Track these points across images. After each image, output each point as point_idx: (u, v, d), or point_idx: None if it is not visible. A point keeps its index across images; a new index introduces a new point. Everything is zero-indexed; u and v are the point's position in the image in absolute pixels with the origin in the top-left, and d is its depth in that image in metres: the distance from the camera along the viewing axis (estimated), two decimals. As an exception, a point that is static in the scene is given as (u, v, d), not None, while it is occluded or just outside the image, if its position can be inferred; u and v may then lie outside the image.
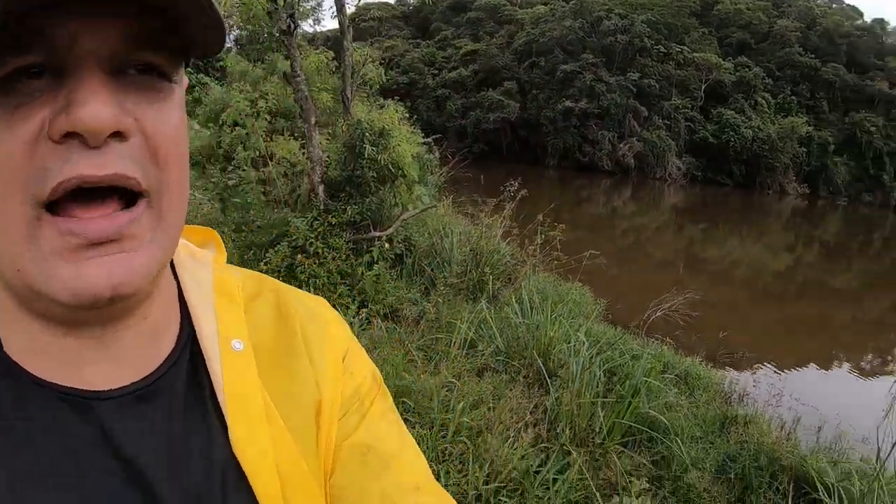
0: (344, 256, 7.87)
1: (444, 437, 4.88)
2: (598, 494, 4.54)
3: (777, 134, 63.32)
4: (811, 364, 14.92)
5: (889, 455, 5.18)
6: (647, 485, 4.52)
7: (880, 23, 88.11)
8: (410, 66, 61.85)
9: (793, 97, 71.84)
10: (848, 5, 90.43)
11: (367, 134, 8.14)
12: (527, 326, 6.95)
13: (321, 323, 0.83)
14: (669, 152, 59.20)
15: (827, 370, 15.14)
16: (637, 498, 4.19)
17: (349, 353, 0.84)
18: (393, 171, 8.41)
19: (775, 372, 12.90)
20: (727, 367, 11.84)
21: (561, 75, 58.31)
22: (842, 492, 5.10)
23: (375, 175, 8.28)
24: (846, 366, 15.99)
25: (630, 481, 4.45)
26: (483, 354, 6.44)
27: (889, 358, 17.47)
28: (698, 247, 29.53)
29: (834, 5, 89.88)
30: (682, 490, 5.12)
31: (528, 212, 9.72)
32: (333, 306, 0.90)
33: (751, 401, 8.84)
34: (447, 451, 4.71)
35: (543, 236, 9.20)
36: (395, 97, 15.77)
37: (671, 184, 57.32)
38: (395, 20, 76.14)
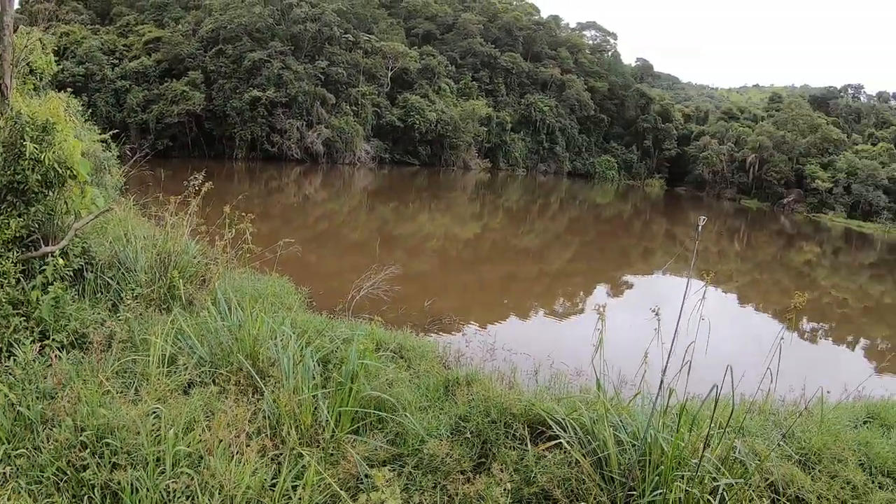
0: (13, 282, 6.50)
1: (162, 474, 4.16)
2: (342, 493, 4.23)
3: (460, 116, 68.98)
4: (512, 316, 16.24)
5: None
6: (390, 473, 4.32)
7: (555, 19, 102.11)
8: (88, 55, 54.78)
9: (474, 82, 79.38)
10: (527, 2, 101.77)
11: (28, 129, 6.80)
12: (228, 329, 6.36)
13: None
14: (358, 137, 60.79)
15: (527, 319, 16.60)
16: (386, 488, 3.94)
17: None
18: (61, 171, 7.14)
19: (482, 328, 13.69)
20: (439, 333, 12.32)
21: (249, 64, 56.35)
22: (574, 423, 5.32)
23: (41, 178, 6.95)
24: (541, 312, 17.72)
25: (372, 474, 4.20)
26: (186, 369, 5.73)
27: (577, 300, 19.78)
28: (392, 225, 30.62)
29: (514, 2, 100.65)
30: (425, 461, 5.03)
31: (217, 207, 9.02)
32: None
33: (467, 360, 9.09)
34: (170, 490, 4.03)
35: (234, 230, 8.60)
36: (70, 90, 13.83)
37: (361, 167, 58.90)
38: (74, 2, 66.80)
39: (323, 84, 59.16)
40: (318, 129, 58.17)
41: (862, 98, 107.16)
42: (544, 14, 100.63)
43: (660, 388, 4.85)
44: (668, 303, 5.30)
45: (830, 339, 20.97)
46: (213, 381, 5.70)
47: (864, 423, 7.89)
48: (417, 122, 64.86)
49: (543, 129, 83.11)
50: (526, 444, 5.36)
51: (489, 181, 65.06)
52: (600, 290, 21.63)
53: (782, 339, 4.85)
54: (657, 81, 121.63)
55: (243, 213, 8.54)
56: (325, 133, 58.27)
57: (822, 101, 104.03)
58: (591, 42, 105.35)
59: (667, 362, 4.81)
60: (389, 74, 67.18)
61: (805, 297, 5.00)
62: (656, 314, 5.05)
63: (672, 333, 4.83)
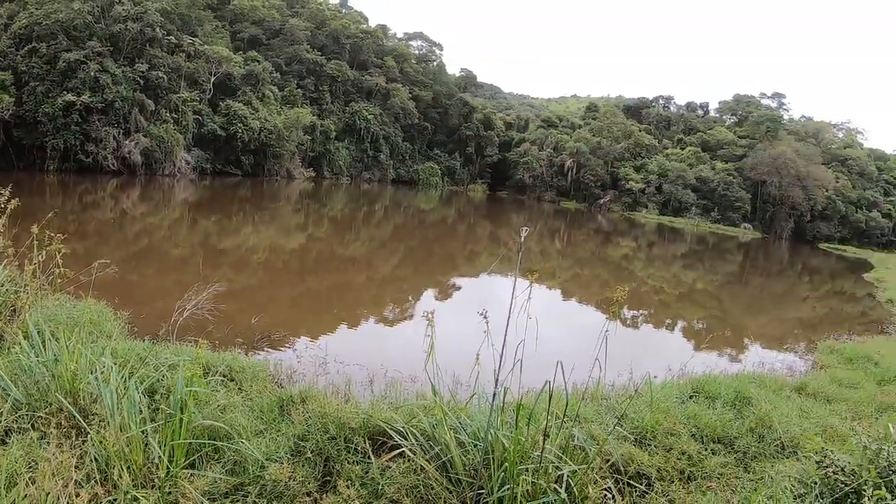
0: None
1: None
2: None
3: (284, 124, 67.11)
4: (343, 326, 16.01)
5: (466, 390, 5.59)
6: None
7: (383, 28, 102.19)
8: None
9: (299, 90, 77.53)
10: (355, 11, 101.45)
11: None
12: (44, 365, 5.68)
13: None
14: (178, 147, 57.34)
15: (358, 328, 16.42)
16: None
17: None
18: None
19: (314, 341, 13.36)
20: (269, 350, 11.90)
21: (63, 65, 50.76)
22: (415, 431, 5.28)
23: None
24: (372, 320, 17.63)
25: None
26: (1, 415, 5.05)
27: (407, 306, 19.88)
28: (215, 239, 29.33)
29: (343, 10, 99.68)
30: (269, 487, 4.79)
31: (26, 226, 8.14)
32: None
33: (300, 377, 8.84)
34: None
35: (44, 252, 7.78)
36: None
37: (181, 179, 55.79)
38: None
39: (142, 89, 55.09)
40: (135, 137, 54.10)
41: (672, 108, 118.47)
42: (372, 23, 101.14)
43: (495, 386, 4.94)
44: (497, 303, 5.42)
45: (651, 324, 22.66)
46: (33, 427, 5.03)
47: (690, 397, 8.60)
48: (240, 130, 62.43)
49: (368, 138, 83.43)
50: (369, 457, 5.26)
51: (313, 190, 64.25)
52: (429, 295, 21.95)
53: (607, 330, 5.10)
54: (480, 91, 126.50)
55: (53, 234, 7.74)
56: (144, 142, 54.33)
57: (636, 109, 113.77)
58: (417, 52, 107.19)
59: (500, 362, 4.91)
60: (212, 80, 64.10)
61: (625, 290, 5.31)
62: (484, 316, 5.12)
63: (503, 333, 4.94)
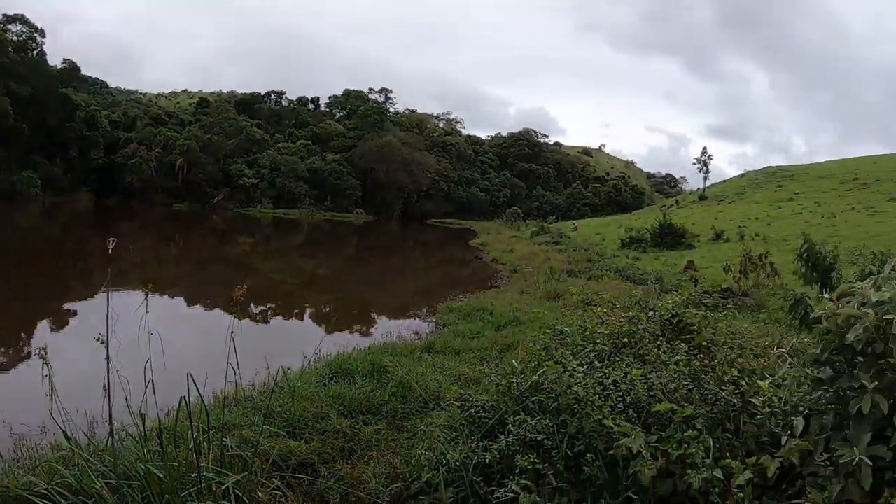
0: None
1: None
2: None
3: None
4: None
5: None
6: None
7: None
8: None
9: None
10: None
11: None
12: None
13: None
14: None
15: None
16: None
17: None
18: None
19: None
20: None
21: None
22: (61, 489, 4.58)
23: None
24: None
25: None
26: None
27: (18, 343, 16.88)
28: None
29: None
30: None
31: None
32: None
33: None
34: None
35: None
36: None
37: None
38: None
39: None
40: None
41: (284, 102, 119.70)
42: None
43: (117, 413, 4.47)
44: (121, 322, 4.89)
45: (280, 316, 22.72)
46: None
47: (331, 378, 8.78)
48: None
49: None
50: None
51: None
52: (43, 327, 19.03)
53: (233, 332, 4.95)
54: (84, 86, 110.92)
55: None
56: None
57: (248, 105, 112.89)
58: (16, 38, 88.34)
59: (120, 388, 4.59)
60: None
61: (245, 289, 5.22)
62: (101, 341, 4.63)
63: (129, 354, 4.60)
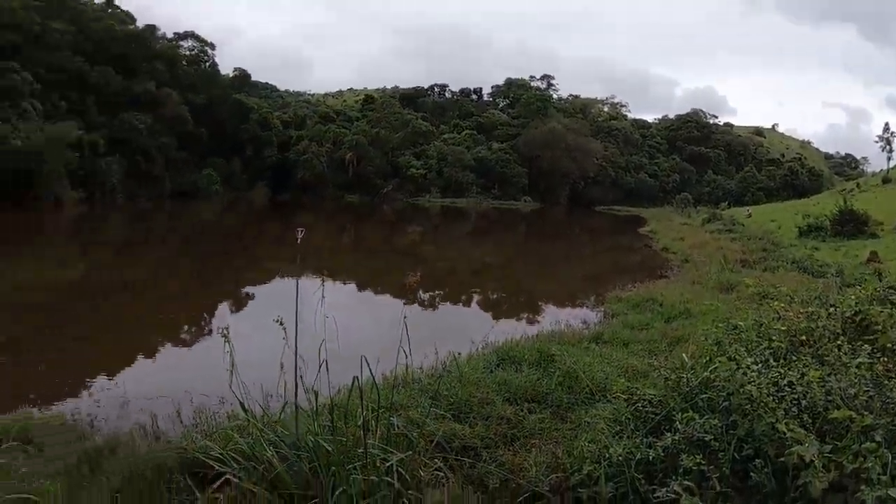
0: None
1: None
2: None
3: (47, 142, 58.55)
4: (139, 357, 14.67)
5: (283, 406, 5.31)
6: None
7: (151, 28, 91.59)
8: None
9: (63, 102, 68.01)
10: (122, 10, 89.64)
11: None
12: None
13: None
14: None
15: (153, 356, 15.02)
16: None
17: None
18: None
19: (111, 379, 12.14)
20: (65, 400, 10.69)
21: None
22: (234, 454, 5.00)
23: None
24: (168, 345, 16.23)
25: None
26: None
27: (203, 324, 18.64)
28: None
29: (110, 10, 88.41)
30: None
31: None
32: None
33: (102, 423, 8.15)
34: None
35: None
36: None
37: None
38: None
39: None
40: None
41: (447, 95, 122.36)
42: (141, 23, 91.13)
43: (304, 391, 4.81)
44: (299, 306, 5.26)
45: (449, 303, 23.29)
46: None
47: (498, 365, 8.88)
48: (-2, 153, 53.56)
49: (139, 150, 76.20)
50: (194, 493, 4.88)
51: (86, 212, 57.97)
52: (224, 308, 20.88)
53: (405, 316, 5.14)
54: (255, 91, 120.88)
55: None
56: None
57: (412, 99, 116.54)
58: (188, 53, 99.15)
59: (297, 366, 4.90)
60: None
61: (417, 276, 5.39)
62: (280, 323, 5.00)
63: (305, 336, 4.90)
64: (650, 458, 4.54)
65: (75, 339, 16.20)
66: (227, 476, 4.84)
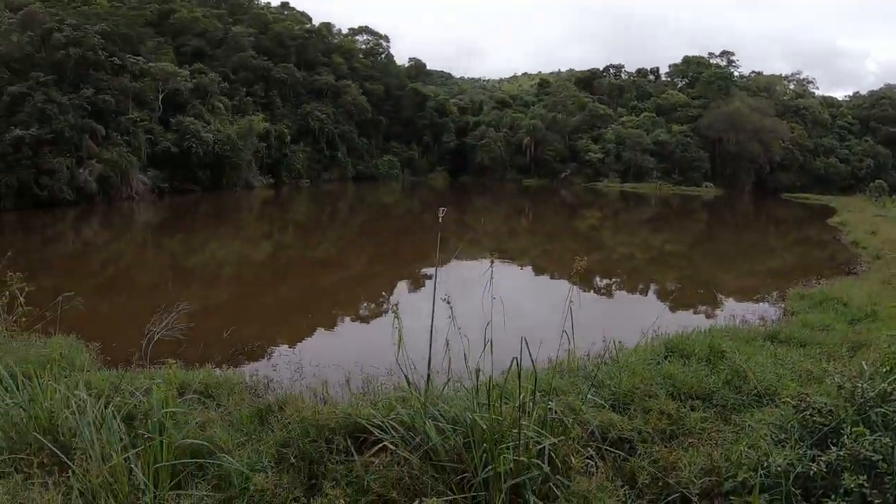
0: None
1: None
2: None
3: (237, 133, 65.69)
4: (319, 329, 15.94)
5: (434, 379, 5.64)
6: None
7: (327, 26, 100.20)
8: None
9: (248, 97, 75.90)
10: (297, 11, 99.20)
11: None
12: (20, 407, 5.60)
13: None
14: (133, 169, 55.92)
15: (333, 328, 16.36)
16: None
17: None
18: None
19: (291, 348, 13.35)
20: (246, 362, 11.86)
21: (8, 99, 48.97)
22: (395, 423, 5.29)
23: None
24: (347, 319, 17.60)
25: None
26: None
27: (381, 301, 19.86)
28: (182, 258, 28.92)
29: (286, 12, 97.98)
30: (256, 498, 4.78)
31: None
32: None
33: (276, 384, 8.80)
34: None
35: (7, 293, 7.66)
36: None
37: (140, 201, 54.47)
38: None
39: (90, 115, 53.47)
40: (89, 165, 52.40)
41: (623, 76, 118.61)
42: (316, 21, 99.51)
43: (468, 368, 5.00)
44: (468, 287, 5.48)
45: (625, 290, 22.90)
46: (16, 469, 4.92)
47: (665, 357, 8.66)
48: (194, 145, 60.85)
49: (323, 138, 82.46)
50: (353, 455, 5.25)
51: (274, 197, 63.51)
52: (401, 287, 21.97)
53: (571, 301, 5.18)
54: (431, 79, 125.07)
55: (14, 273, 7.62)
56: (98, 168, 52.65)
57: (587, 81, 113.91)
58: (363, 46, 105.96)
59: (465, 344, 5.03)
60: (160, 97, 62.85)
61: (584, 260, 5.40)
62: (447, 302, 5.21)
63: (473, 317, 5.01)
64: (811, 472, 4.27)
65: (262, 309, 17.85)
66: (386, 443, 5.16)
